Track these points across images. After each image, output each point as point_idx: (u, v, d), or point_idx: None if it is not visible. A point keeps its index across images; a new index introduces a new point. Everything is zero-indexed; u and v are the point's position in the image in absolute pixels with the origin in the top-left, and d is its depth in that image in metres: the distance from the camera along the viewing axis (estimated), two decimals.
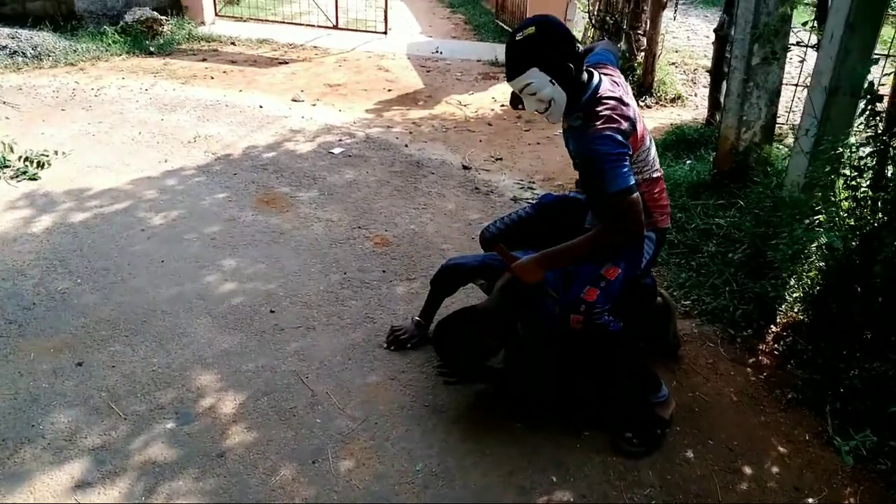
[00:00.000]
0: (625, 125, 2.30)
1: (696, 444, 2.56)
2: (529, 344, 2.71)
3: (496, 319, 2.61)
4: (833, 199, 3.38)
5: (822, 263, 3.22)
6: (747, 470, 2.45)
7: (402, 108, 6.25)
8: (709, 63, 7.68)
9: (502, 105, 6.40)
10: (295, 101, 6.26)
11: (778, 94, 4.06)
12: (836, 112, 3.43)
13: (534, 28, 2.28)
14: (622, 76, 2.53)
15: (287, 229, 3.95)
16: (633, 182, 2.26)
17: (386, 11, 8.57)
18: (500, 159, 5.12)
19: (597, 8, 7.08)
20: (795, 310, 3.21)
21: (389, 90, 6.76)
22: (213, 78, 6.69)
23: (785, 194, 3.67)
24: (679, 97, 6.50)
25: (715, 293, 3.36)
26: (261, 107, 5.96)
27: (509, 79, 2.35)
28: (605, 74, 2.42)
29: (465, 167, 4.91)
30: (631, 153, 2.35)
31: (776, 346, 3.10)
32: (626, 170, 2.26)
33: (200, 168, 4.68)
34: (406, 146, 5.27)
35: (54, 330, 3.02)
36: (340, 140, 5.32)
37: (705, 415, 2.71)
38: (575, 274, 2.49)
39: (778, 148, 4.29)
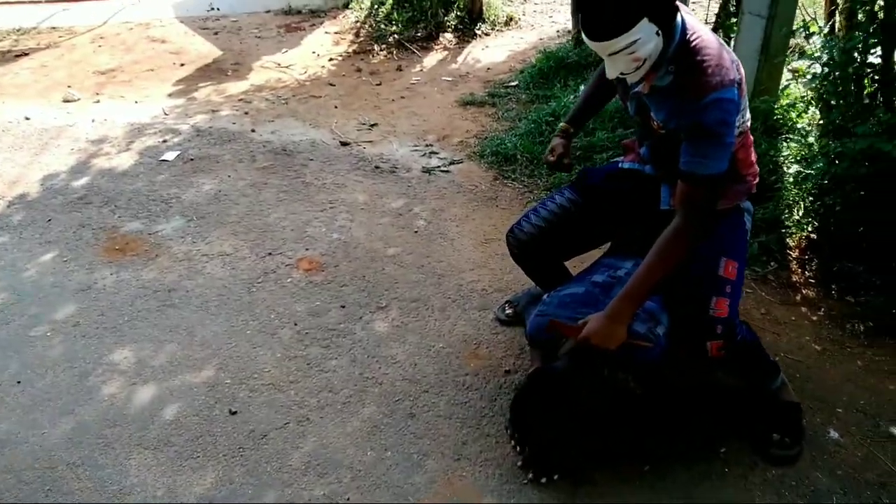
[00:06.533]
0: (734, 74, 1.75)
1: (829, 419, 2.19)
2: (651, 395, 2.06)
3: (585, 395, 1.95)
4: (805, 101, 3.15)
5: (808, 172, 2.97)
6: None
7: (212, 84, 5.07)
8: None
9: (330, 59, 5.47)
10: (68, 101, 4.80)
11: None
12: (783, 6, 3.14)
13: None
14: None
15: (174, 282, 2.87)
16: (727, 164, 1.76)
17: None
18: (375, 125, 4.30)
19: None
20: (803, 228, 2.95)
21: (182, 64, 5.47)
22: None
23: None
24: (512, 19, 6.02)
25: None
26: (27, 118, 4.45)
27: (602, 38, 1.65)
28: None
29: (343, 143, 4.03)
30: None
31: (806, 273, 2.83)
32: (731, 142, 1.76)
33: None
34: (253, 131, 4.23)
35: None
36: (165, 141, 4.11)
37: (808, 378, 2.35)
38: (684, 292, 1.91)
39: None
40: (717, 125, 1.70)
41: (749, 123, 1.94)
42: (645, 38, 1.65)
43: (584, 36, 1.70)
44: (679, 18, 1.74)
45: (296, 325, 2.62)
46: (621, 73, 1.74)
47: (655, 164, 2.05)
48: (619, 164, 2.23)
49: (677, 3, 1.74)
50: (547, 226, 2.18)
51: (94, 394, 2.33)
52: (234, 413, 2.24)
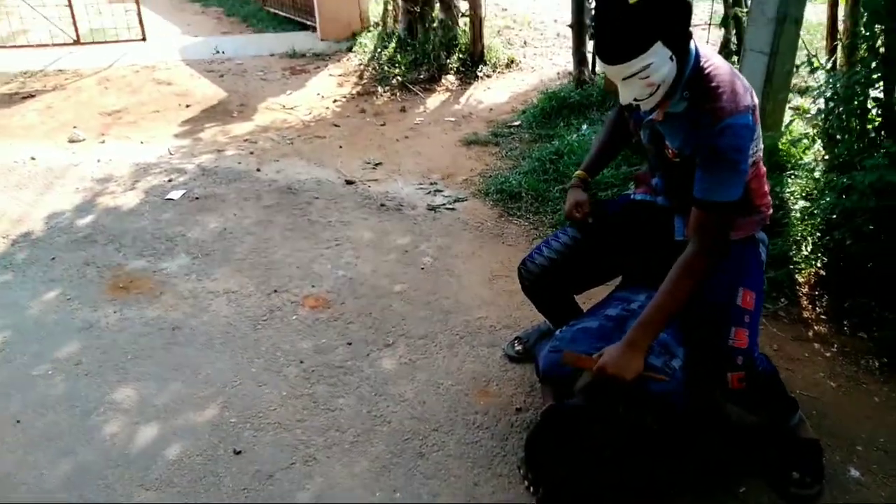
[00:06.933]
0: (748, 101, 1.75)
1: (849, 457, 2.14)
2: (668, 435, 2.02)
3: (599, 430, 1.91)
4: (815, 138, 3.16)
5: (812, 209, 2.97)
6: None
7: (218, 125, 5.12)
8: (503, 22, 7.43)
9: (334, 100, 5.53)
10: (74, 141, 4.84)
11: None
12: (785, 43, 3.18)
13: None
14: None
15: (178, 320, 2.84)
16: (741, 191, 1.76)
17: (140, 14, 7.11)
18: (380, 164, 4.32)
19: None
20: (811, 264, 2.93)
21: (188, 106, 5.54)
22: None
23: None
24: (513, 61, 6.11)
25: None
26: (33, 158, 4.47)
27: (617, 61, 1.66)
28: None
29: (348, 182, 4.04)
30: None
31: (817, 309, 2.80)
32: (745, 170, 1.76)
33: None
34: (258, 170, 4.24)
35: None
36: (171, 180, 4.13)
37: (825, 415, 2.30)
38: (702, 323, 1.89)
39: None
40: (732, 151, 1.70)
41: (761, 153, 1.93)
42: (659, 62, 1.65)
43: (598, 60, 1.72)
44: (693, 45, 1.75)
45: (302, 362, 2.58)
46: (635, 100, 1.74)
47: (668, 194, 2.04)
48: (631, 196, 2.22)
49: (690, 29, 1.75)
50: (559, 258, 2.16)
51: (95, 434, 2.28)
52: (239, 453, 2.19)
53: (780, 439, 2.08)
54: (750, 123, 1.73)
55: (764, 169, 1.99)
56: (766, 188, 2.01)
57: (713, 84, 1.73)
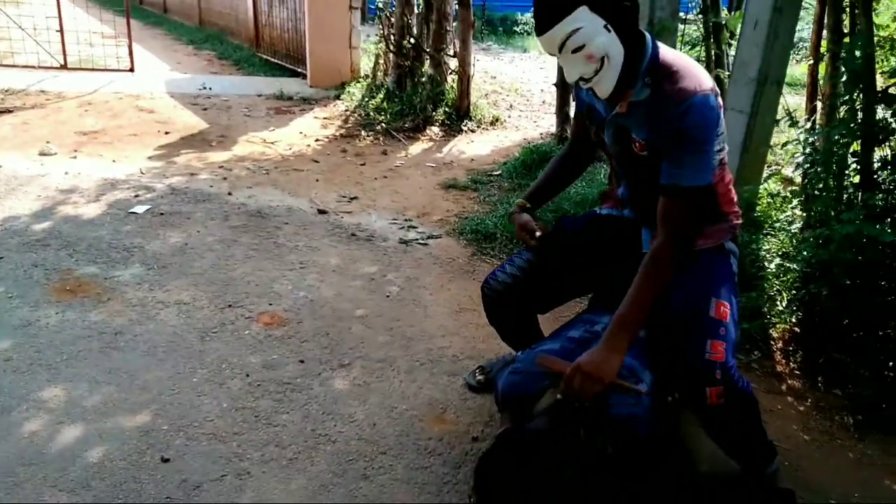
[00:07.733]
0: (711, 83, 1.72)
1: None
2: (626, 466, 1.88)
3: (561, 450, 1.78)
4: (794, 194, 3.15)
5: (791, 265, 2.92)
6: None
7: (194, 152, 5.03)
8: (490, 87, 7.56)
9: (316, 139, 5.50)
10: (45, 154, 4.72)
11: None
12: (766, 103, 3.20)
13: None
14: None
15: (122, 325, 2.67)
16: (710, 178, 1.71)
17: (130, 46, 7.14)
18: (355, 198, 4.24)
19: (389, 31, 6.50)
20: (786, 320, 2.85)
21: (167, 132, 5.47)
22: None
23: None
24: (498, 120, 6.16)
25: None
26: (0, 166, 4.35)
27: (544, 29, 1.64)
28: None
29: (321, 212, 3.95)
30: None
31: (791, 363, 2.71)
32: (711, 152, 1.70)
33: None
34: (230, 194, 4.14)
35: None
36: (137, 196, 4.01)
37: (798, 467, 2.17)
38: (676, 337, 1.78)
39: None
40: (698, 130, 1.65)
41: (726, 155, 1.86)
42: (589, 28, 1.61)
43: (538, 41, 1.70)
44: (647, 36, 1.72)
45: (248, 376, 2.41)
46: (581, 79, 1.68)
47: (634, 203, 1.97)
48: (597, 212, 2.15)
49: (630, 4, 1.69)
50: (522, 275, 2.05)
51: (13, 430, 2.08)
52: (167, 461, 2.00)
53: (754, 487, 1.94)
54: (714, 105, 1.67)
55: (730, 176, 1.92)
56: (734, 196, 1.94)
57: (674, 68, 1.69)
